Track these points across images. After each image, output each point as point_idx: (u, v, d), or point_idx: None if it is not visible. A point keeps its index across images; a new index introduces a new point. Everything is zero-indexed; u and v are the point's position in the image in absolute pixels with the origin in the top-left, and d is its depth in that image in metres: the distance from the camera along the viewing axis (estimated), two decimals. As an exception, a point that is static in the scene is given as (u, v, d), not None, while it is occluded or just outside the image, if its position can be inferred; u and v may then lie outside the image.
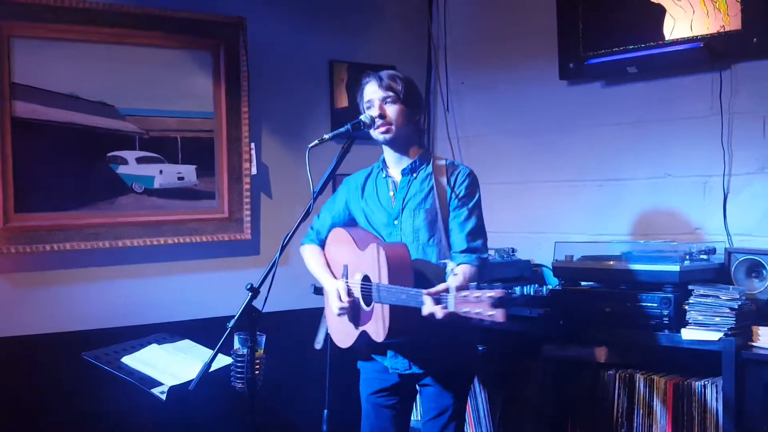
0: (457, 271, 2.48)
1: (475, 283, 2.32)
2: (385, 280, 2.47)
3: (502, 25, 3.96)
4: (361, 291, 2.60)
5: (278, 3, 3.76)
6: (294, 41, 3.80)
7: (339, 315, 2.63)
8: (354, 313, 2.63)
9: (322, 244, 2.85)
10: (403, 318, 2.45)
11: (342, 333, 2.72)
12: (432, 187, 2.64)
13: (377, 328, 2.51)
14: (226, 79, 3.55)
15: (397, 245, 2.56)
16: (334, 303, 2.64)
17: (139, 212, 3.38)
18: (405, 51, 4.14)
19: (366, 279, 2.59)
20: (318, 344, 2.84)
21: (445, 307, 2.26)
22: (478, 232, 2.63)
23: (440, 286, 2.31)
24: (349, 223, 2.81)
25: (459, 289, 2.26)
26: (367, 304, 2.57)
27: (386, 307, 2.47)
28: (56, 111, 3.19)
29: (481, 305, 2.15)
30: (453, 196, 2.61)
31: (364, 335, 2.60)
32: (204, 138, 3.54)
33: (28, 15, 3.11)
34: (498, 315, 2.12)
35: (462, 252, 2.58)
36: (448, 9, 4.17)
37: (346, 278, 2.66)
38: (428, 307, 2.30)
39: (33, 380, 3.13)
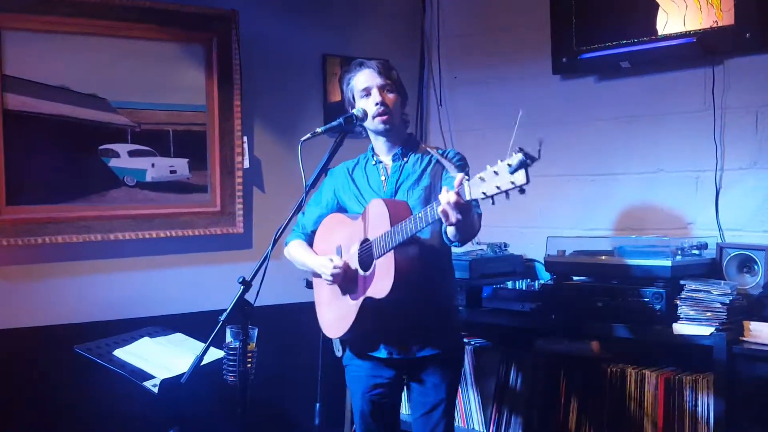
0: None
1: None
2: (387, 227, 2.43)
3: (495, 19, 3.95)
4: (359, 257, 2.57)
5: (271, -4, 3.75)
6: (287, 35, 3.79)
7: (332, 282, 2.60)
8: (351, 286, 2.60)
9: (309, 239, 2.84)
10: (406, 262, 2.42)
11: (339, 318, 2.68)
12: (425, 167, 2.64)
13: (381, 285, 2.46)
14: (218, 73, 3.54)
15: (396, 200, 2.56)
16: (326, 272, 2.60)
17: (131, 205, 3.37)
18: (398, 45, 4.14)
19: (364, 243, 2.57)
20: (338, 352, 2.83)
21: (463, 197, 2.13)
22: None
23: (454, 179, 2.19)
24: (338, 213, 2.79)
25: None
26: (366, 268, 2.55)
27: (389, 257, 2.43)
28: (48, 103, 3.18)
29: (499, 178, 2.02)
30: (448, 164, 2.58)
31: (363, 309, 2.55)
32: (196, 131, 3.53)
33: (20, 7, 3.10)
34: (519, 177, 1.98)
35: None
36: (441, 2, 4.17)
37: (341, 257, 2.65)
38: (445, 196, 2.17)
39: (25, 373, 3.12)
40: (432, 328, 2.62)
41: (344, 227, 2.68)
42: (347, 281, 2.60)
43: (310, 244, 2.83)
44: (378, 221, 2.49)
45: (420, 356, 2.62)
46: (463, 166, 2.63)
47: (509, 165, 1.99)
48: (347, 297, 2.63)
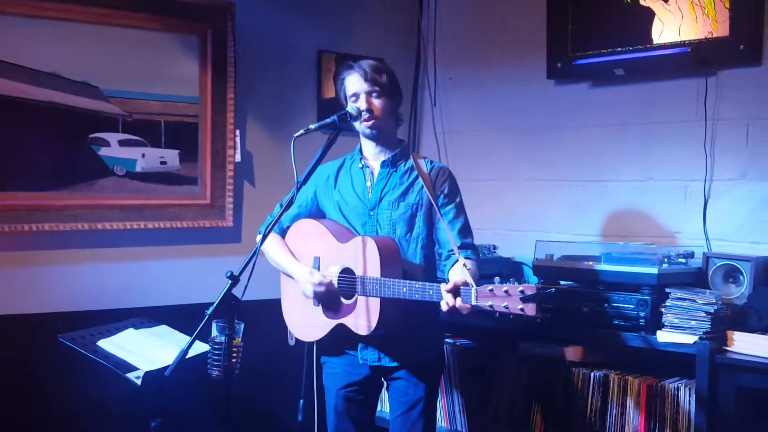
0: (469, 265, 2.40)
1: (497, 278, 2.28)
2: (375, 273, 2.47)
3: (492, 22, 3.96)
4: (339, 283, 2.59)
5: (268, -10, 3.74)
6: (283, 29, 3.78)
7: (314, 297, 2.60)
8: (329, 304, 2.62)
9: (283, 234, 2.82)
10: (392, 312, 2.46)
11: (308, 326, 2.70)
12: (413, 182, 2.64)
13: (362, 322, 2.51)
14: (212, 65, 3.52)
15: (387, 239, 2.57)
16: (307, 288, 2.61)
17: (119, 195, 3.35)
18: (394, 44, 4.13)
19: (346, 271, 2.58)
20: (292, 340, 2.84)
21: (467, 302, 2.26)
22: (468, 229, 2.66)
23: (458, 280, 2.30)
24: (316, 214, 2.79)
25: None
26: (347, 297, 2.57)
27: (375, 301, 2.47)
28: (38, 89, 3.15)
29: (510, 299, 2.16)
30: (437, 193, 2.61)
31: (339, 328, 2.59)
32: (188, 123, 3.52)
33: (12, -9, 3.07)
34: (529, 309, 2.13)
35: (459, 248, 2.56)
36: (438, 2, 4.17)
37: (318, 270, 2.65)
38: (449, 301, 2.29)
39: (7, 360, 3.10)
40: (407, 343, 2.61)
41: (324, 240, 2.67)
42: (328, 295, 2.61)
43: (283, 238, 2.82)
44: (368, 263, 2.50)
45: (390, 366, 2.64)
46: (454, 192, 2.65)
47: (522, 292, 2.13)
48: (320, 310, 2.64)
